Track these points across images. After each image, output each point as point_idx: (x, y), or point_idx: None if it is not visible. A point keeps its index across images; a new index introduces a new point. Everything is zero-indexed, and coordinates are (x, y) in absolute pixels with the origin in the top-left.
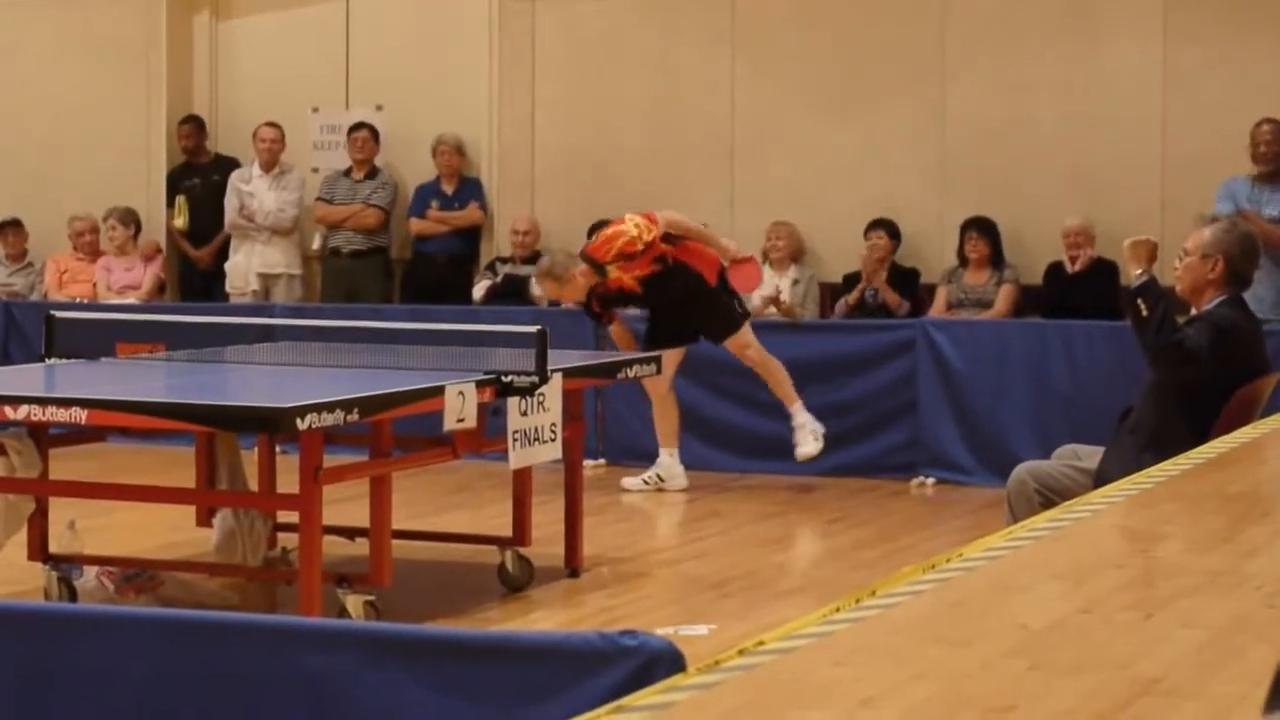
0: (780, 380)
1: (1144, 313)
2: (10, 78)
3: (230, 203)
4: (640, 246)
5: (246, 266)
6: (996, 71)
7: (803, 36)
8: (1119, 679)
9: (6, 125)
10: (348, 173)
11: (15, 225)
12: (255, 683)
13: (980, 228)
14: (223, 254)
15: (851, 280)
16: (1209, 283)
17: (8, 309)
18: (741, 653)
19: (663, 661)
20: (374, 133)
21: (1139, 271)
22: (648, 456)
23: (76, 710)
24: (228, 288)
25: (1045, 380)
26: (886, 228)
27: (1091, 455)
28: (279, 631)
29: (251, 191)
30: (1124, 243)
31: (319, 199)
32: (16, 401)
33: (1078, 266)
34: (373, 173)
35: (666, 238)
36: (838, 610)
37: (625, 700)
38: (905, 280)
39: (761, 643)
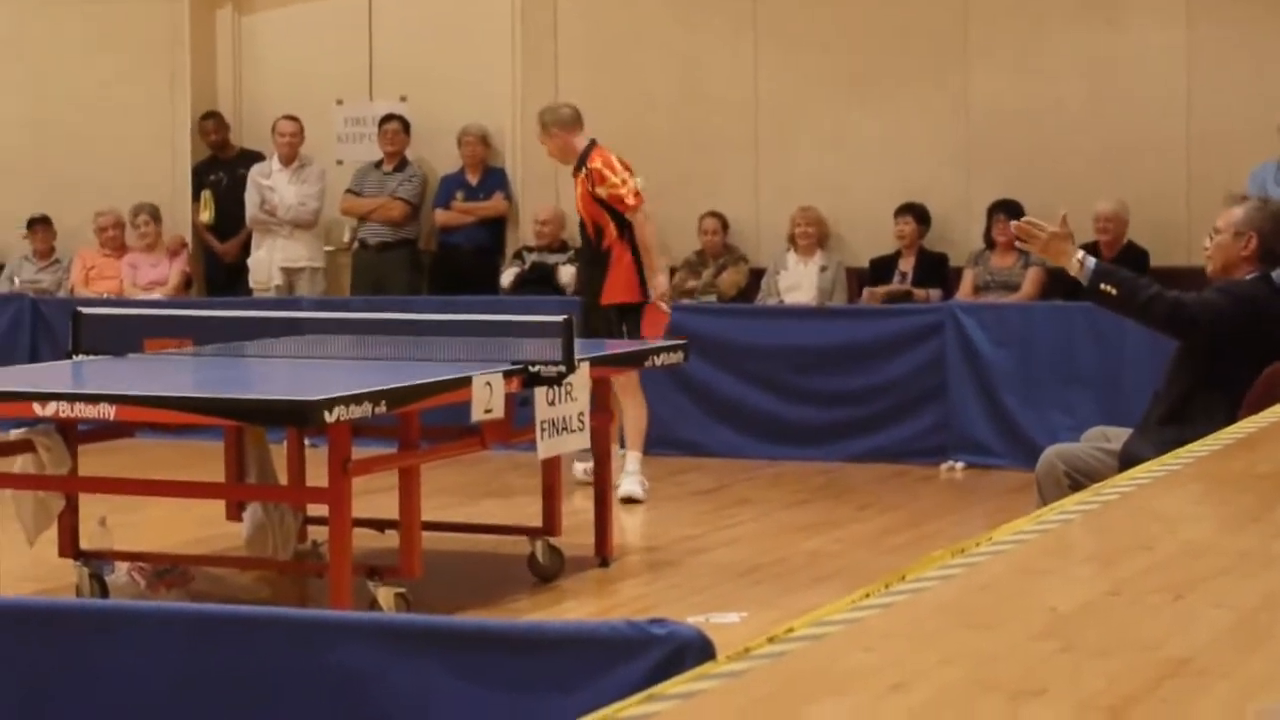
0: (639, 425)
1: (1114, 292)
2: (35, 75)
3: (251, 197)
4: (606, 182)
5: (269, 261)
6: (1020, 54)
7: (825, 22)
8: (1149, 660)
9: (32, 122)
10: (378, 165)
11: (43, 222)
12: (287, 676)
13: (1007, 210)
14: (247, 248)
15: (878, 265)
16: (1242, 259)
17: (35, 306)
18: (771, 640)
19: (692, 649)
20: (404, 124)
21: (1078, 259)
22: (677, 445)
23: (110, 705)
24: (251, 282)
25: (1073, 363)
26: (914, 212)
27: (1120, 437)
28: (311, 625)
29: (272, 185)
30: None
31: (348, 191)
32: (45, 398)
33: (1110, 253)
34: (402, 165)
35: (623, 232)
36: (867, 596)
37: (656, 689)
38: (933, 264)
39: (791, 630)
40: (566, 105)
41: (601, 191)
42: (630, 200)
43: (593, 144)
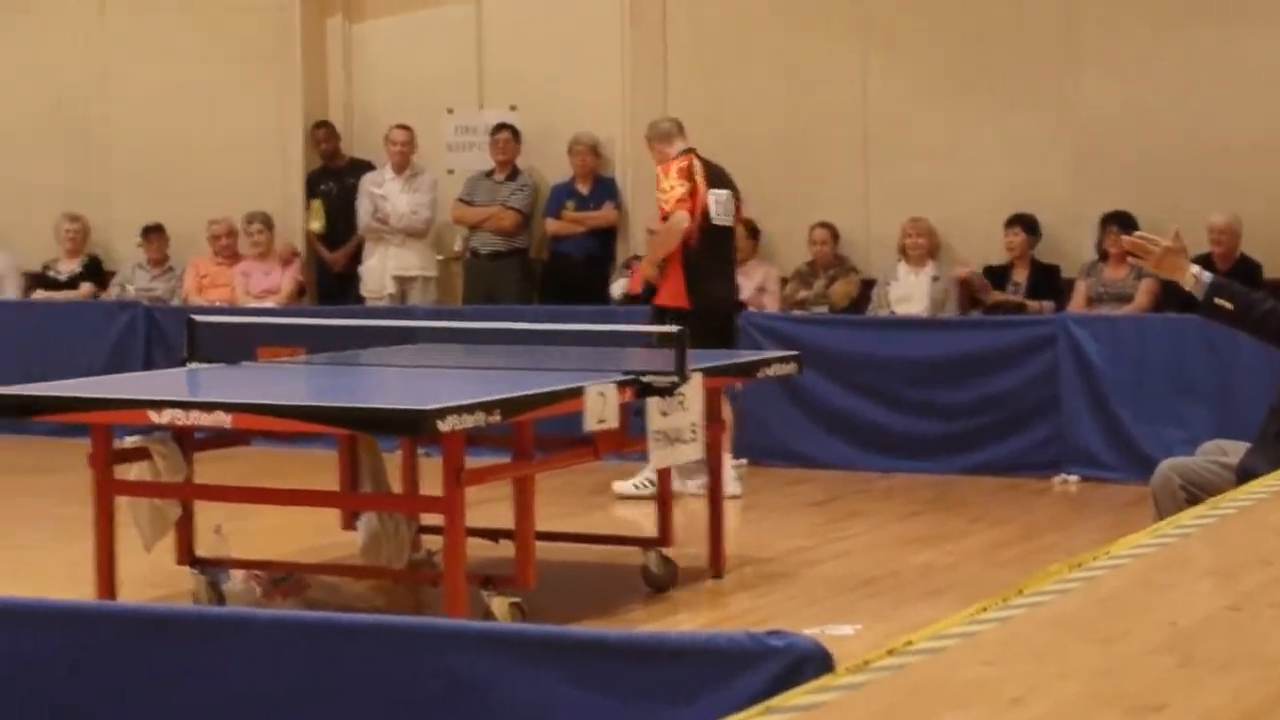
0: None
1: (1230, 307)
2: (148, 85)
3: (363, 206)
4: (660, 188)
5: (381, 269)
6: (1131, 61)
7: (935, 29)
8: (1270, 676)
9: (146, 132)
10: (489, 174)
11: (157, 230)
12: (405, 685)
13: (1119, 222)
14: (357, 257)
15: (990, 274)
16: None
17: (149, 314)
18: (890, 652)
19: (811, 661)
20: (515, 133)
21: (1193, 273)
22: (788, 456)
23: (227, 713)
24: (363, 291)
25: (1188, 375)
26: (1023, 223)
27: (1237, 452)
28: (429, 633)
29: (384, 194)
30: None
31: (459, 200)
32: (161, 406)
33: (1223, 265)
34: (514, 174)
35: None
36: (985, 609)
37: (774, 701)
38: (1045, 275)
39: (910, 642)
40: (667, 119)
41: (657, 197)
42: (665, 207)
43: (682, 154)
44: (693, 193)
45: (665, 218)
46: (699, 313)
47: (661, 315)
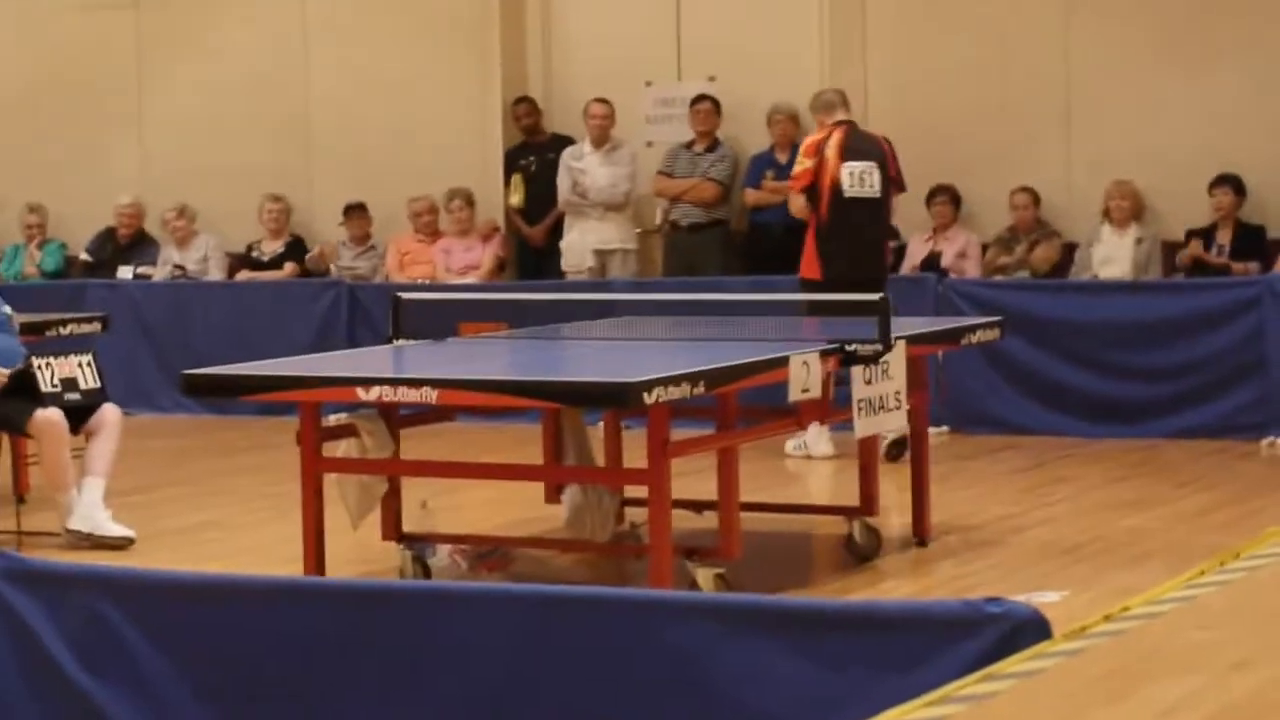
0: None
1: None
2: (348, 64)
3: (563, 181)
4: (797, 160)
5: (581, 244)
6: None
7: None
8: None
9: (347, 110)
10: (689, 145)
11: (359, 209)
12: (619, 655)
13: None
14: (556, 232)
15: (1194, 236)
16: None
17: (352, 292)
18: (1107, 618)
19: (1029, 628)
20: (716, 104)
21: None
22: (992, 423)
23: (444, 683)
24: (563, 265)
25: None
26: (1231, 183)
27: None
28: (644, 604)
29: (583, 168)
30: None
31: (660, 172)
32: (369, 383)
33: None
34: (713, 145)
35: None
36: (1202, 574)
37: (993, 667)
38: (1251, 236)
39: (1127, 608)
40: (832, 90)
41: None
42: (796, 181)
43: (837, 125)
44: (820, 168)
45: (800, 189)
46: (832, 284)
47: (805, 286)
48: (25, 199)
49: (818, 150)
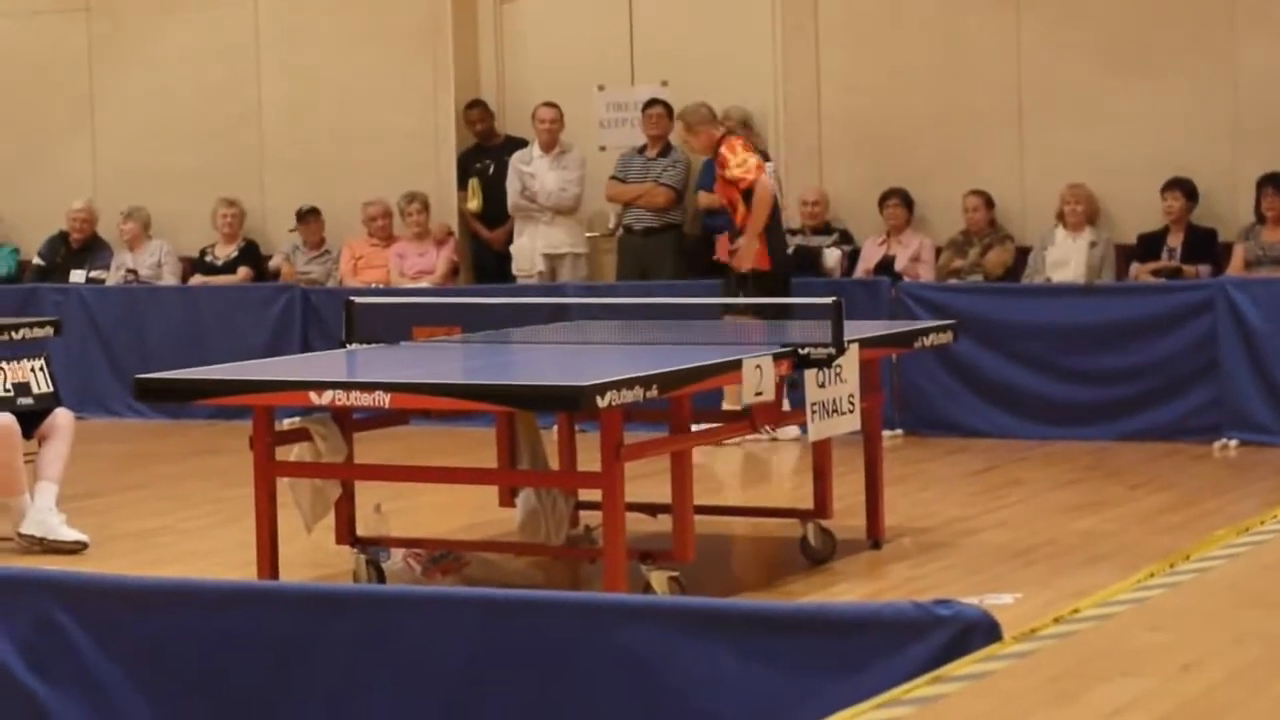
0: None
1: None
2: (300, 68)
3: (512, 185)
4: (729, 165)
5: (531, 248)
6: None
7: None
8: None
9: (301, 115)
10: (641, 150)
11: (314, 213)
12: (573, 658)
13: (1277, 184)
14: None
15: (1146, 241)
16: None
17: (306, 296)
18: (1058, 620)
19: (979, 630)
20: (668, 109)
21: None
22: (946, 426)
23: (397, 687)
24: (514, 270)
25: None
26: (1182, 188)
27: None
28: (598, 608)
29: (532, 172)
30: None
31: (612, 177)
32: (322, 387)
33: None
34: (666, 150)
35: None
36: (1152, 575)
37: (943, 669)
38: (1202, 240)
39: (1077, 610)
40: (703, 104)
41: (727, 174)
42: (750, 175)
43: (725, 134)
44: (759, 165)
45: (747, 189)
46: (777, 274)
47: (744, 280)
48: None
49: (752, 149)
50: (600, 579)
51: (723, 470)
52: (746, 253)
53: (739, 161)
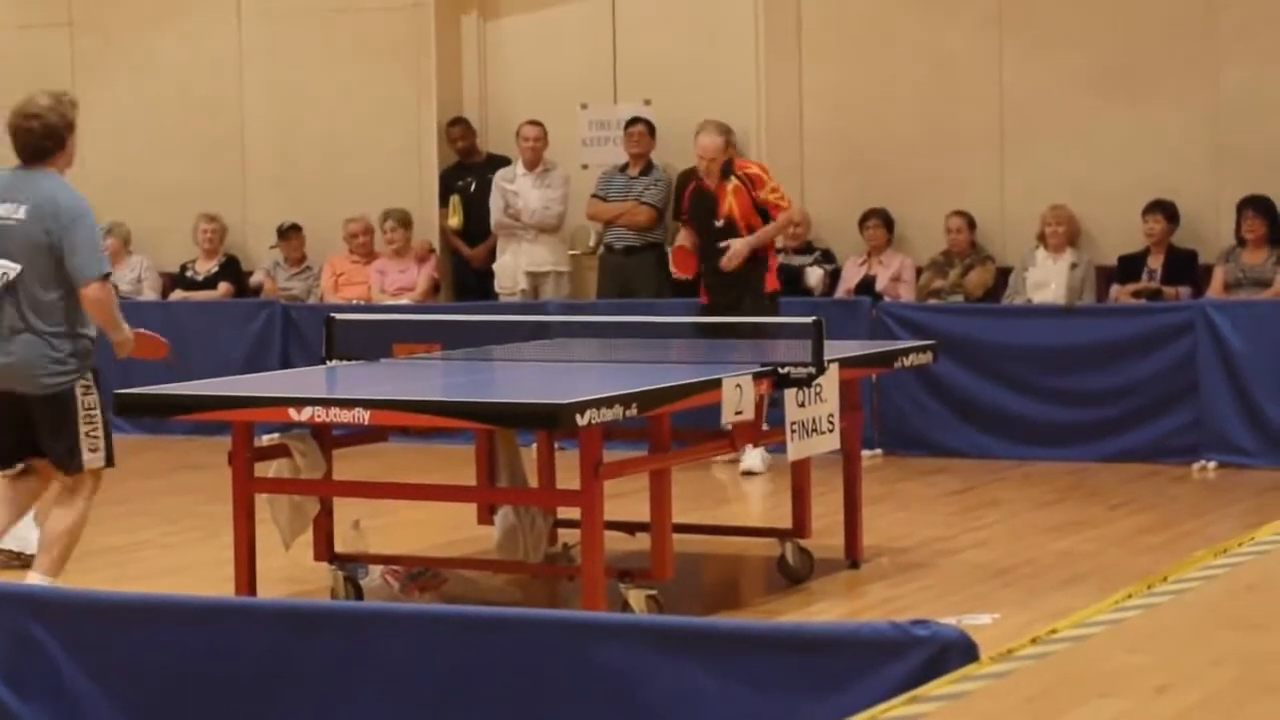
0: None
1: None
2: (283, 84)
3: (495, 202)
4: (766, 186)
5: (514, 265)
6: (1272, 45)
7: (1071, 17)
8: None
9: (282, 131)
10: (623, 168)
11: (295, 230)
12: (551, 676)
13: (1257, 206)
14: (496, 253)
15: (1127, 263)
16: None
17: (286, 312)
18: (1034, 641)
19: (956, 650)
20: (650, 127)
21: None
22: (925, 445)
23: (375, 704)
24: (496, 287)
25: None
26: (1164, 210)
27: None
28: (576, 626)
29: (516, 190)
30: None
31: (594, 195)
32: (301, 403)
33: None
34: (648, 168)
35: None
36: (1129, 597)
37: (920, 689)
38: (1182, 262)
39: (1054, 631)
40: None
41: (761, 195)
42: (785, 202)
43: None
44: None
45: (781, 210)
46: (776, 295)
47: (771, 299)
48: None
49: None
50: (578, 597)
51: (701, 489)
52: (741, 252)
53: (775, 185)
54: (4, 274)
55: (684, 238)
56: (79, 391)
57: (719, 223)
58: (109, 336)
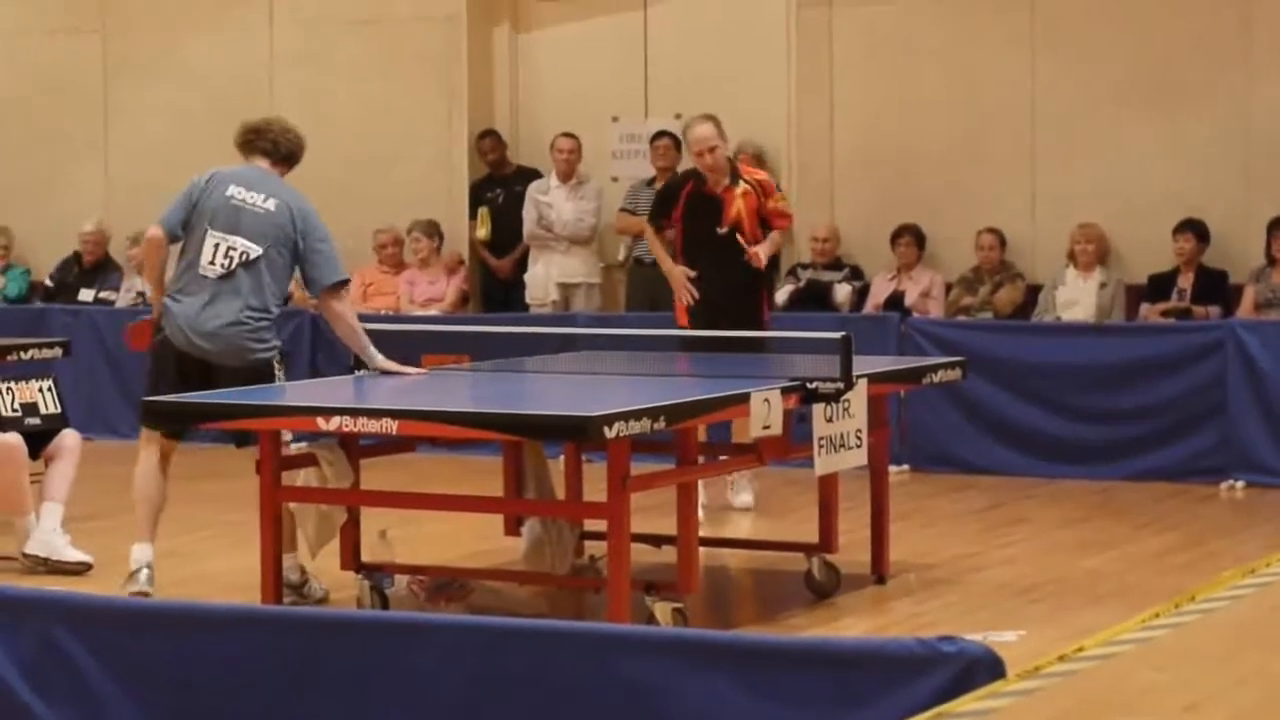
0: None
1: None
2: (314, 93)
3: (529, 214)
4: (777, 195)
5: (546, 277)
6: None
7: (1103, 34)
8: None
9: (312, 140)
10: (650, 182)
11: None
12: (576, 688)
13: None
14: (522, 264)
15: (1157, 282)
16: None
17: (315, 322)
18: (1062, 658)
19: (982, 667)
20: (676, 141)
21: None
22: (952, 462)
23: (400, 714)
24: (528, 298)
25: None
26: (1194, 229)
27: None
28: (602, 638)
29: (550, 202)
30: None
31: (622, 209)
32: (329, 413)
33: None
34: None
35: None
36: (1157, 616)
37: (946, 706)
38: (1213, 281)
39: (1082, 649)
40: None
41: (770, 204)
42: (791, 211)
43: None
44: None
45: (788, 220)
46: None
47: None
48: None
49: None
50: (604, 609)
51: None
52: (765, 254)
53: (782, 193)
54: (245, 253)
55: (656, 245)
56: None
57: (722, 229)
58: None
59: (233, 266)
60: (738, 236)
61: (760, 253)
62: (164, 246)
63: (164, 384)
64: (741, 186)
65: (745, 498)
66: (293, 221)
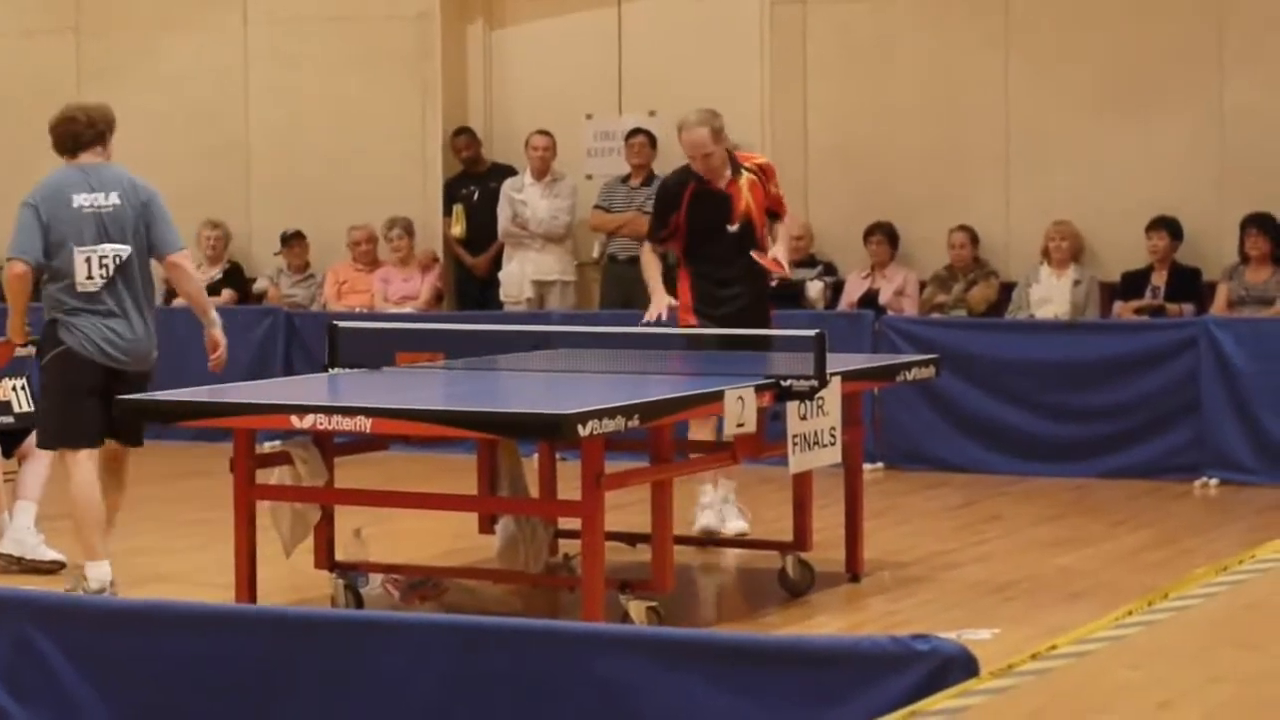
0: None
1: None
2: (290, 92)
3: (503, 211)
4: (775, 177)
5: (520, 274)
6: (1278, 66)
7: (1077, 36)
8: None
9: (286, 138)
10: (625, 179)
11: (299, 237)
12: (551, 686)
13: (1260, 224)
14: (498, 262)
15: (1130, 279)
16: None
17: (289, 319)
18: (1034, 656)
19: (956, 665)
20: (651, 138)
21: None
22: (927, 460)
23: (374, 713)
24: (502, 296)
25: None
26: (1168, 227)
27: None
28: (576, 637)
29: (524, 200)
30: None
31: (596, 206)
32: (303, 411)
33: None
34: (649, 179)
35: None
36: (1130, 613)
37: (919, 704)
38: (1186, 279)
39: (1054, 646)
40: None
41: (772, 188)
42: (786, 203)
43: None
44: None
45: (785, 210)
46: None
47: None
48: None
49: None
50: (579, 608)
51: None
52: (785, 260)
53: (771, 168)
54: (116, 255)
55: (650, 263)
56: None
57: (733, 227)
58: None
59: (110, 273)
60: (754, 254)
61: (780, 259)
62: (31, 280)
63: (74, 399)
64: (746, 177)
65: (738, 524)
66: (137, 204)
